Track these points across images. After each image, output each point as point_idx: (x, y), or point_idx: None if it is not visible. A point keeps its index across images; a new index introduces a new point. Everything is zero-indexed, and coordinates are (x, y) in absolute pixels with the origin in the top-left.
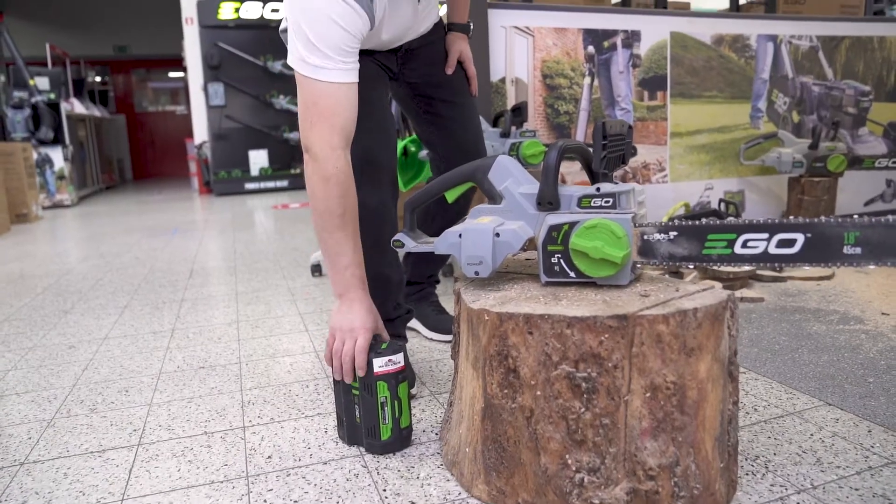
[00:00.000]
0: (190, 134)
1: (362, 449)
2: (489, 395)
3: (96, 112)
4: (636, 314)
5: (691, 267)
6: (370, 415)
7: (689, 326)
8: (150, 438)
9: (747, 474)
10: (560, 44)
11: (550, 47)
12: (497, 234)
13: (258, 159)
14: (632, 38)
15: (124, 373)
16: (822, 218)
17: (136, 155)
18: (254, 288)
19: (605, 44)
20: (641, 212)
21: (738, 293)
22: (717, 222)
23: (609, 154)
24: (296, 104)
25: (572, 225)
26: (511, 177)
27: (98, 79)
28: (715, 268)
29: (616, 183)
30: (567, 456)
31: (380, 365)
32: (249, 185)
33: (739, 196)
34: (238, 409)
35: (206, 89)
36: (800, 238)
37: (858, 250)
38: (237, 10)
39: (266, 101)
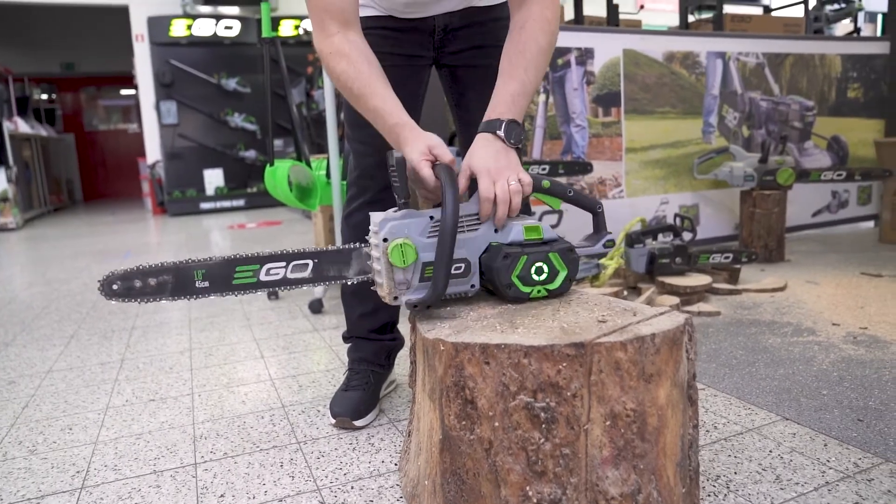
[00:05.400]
0: (142, 153)
1: (319, 484)
2: (447, 426)
3: (42, 131)
4: (594, 342)
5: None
6: None
7: (648, 352)
8: (95, 480)
9: (709, 495)
10: None
11: None
12: None
13: (213, 178)
14: (585, 55)
15: (68, 409)
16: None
17: (87, 175)
18: (208, 313)
19: (560, 61)
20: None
21: (695, 307)
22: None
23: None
24: (250, 122)
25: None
26: None
27: (44, 97)
28: (671, 282)
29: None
30: (528, 488)
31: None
32: (205, 205)
33: (694, 210)
34: (190, 444)
35: (158, 107)
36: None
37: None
38: (189, 27)
39: (220, 119)
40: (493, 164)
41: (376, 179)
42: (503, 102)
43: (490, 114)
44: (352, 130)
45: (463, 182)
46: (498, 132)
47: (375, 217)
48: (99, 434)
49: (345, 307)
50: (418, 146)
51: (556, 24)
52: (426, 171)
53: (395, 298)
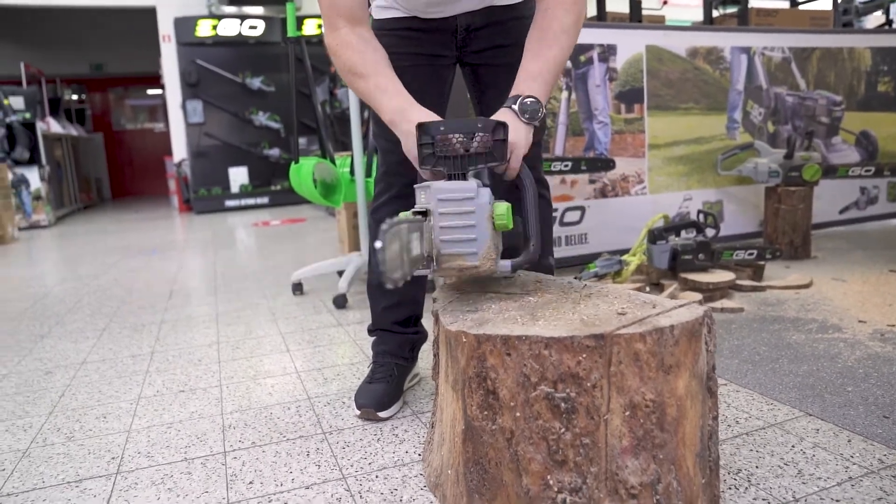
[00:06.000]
0: (169, 152)
1: (344, 472)
2: (469, 416)
3: (73, 131)
4: (613, 333)
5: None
6: None
7: (667, 344)
8: (129, 466)
9: (730, 488)
10: None
11: None
12: None
13: (238, 176)
14: (608, 51)
15: (102, 398)
16: None
17: (115, 173)
18: (235, 308)
19: (582, 58)
20: (454, 211)
21: (718, 304)
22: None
23: (439, 152)
24: (275, 121)
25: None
26: None
27: (74, 97)
28: (693, 279)
29: (451, 178)
30: (549, 476)
31: None
32: (230, 203)
33: (718, 206)
34: (219, 433)
35: (184, 107)
36: None
37: None
38: (214, 27)
39: (245, 117)
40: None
41: (402, 175)
42: (524, 80)
43: (512, 91)
44: (377, 127)
45: None
46: (513, 107)
47: (461, 185)
48: (132, 423)
49: (370, 300)
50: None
51: (581, 4)
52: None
53: (494, 262)
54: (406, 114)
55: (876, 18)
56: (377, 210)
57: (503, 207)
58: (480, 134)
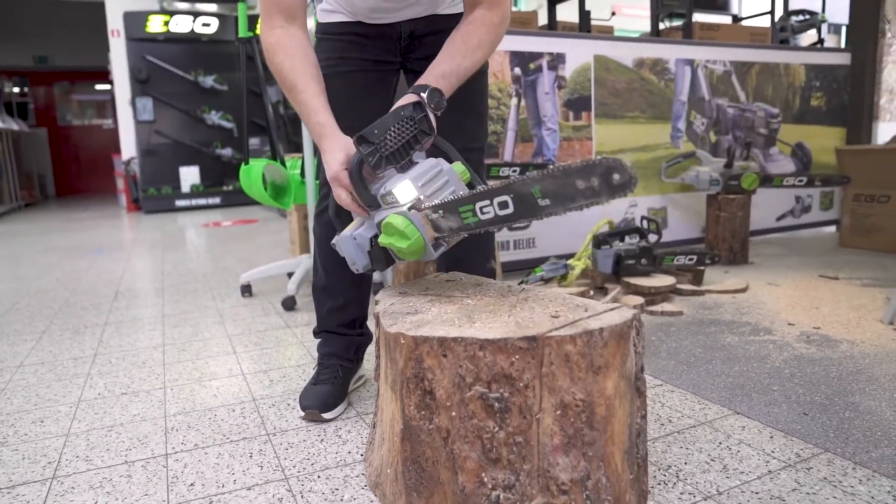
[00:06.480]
0: (117, 149)
1: (287, 473)
2: (407, 416)
3: (14, 125)
4: (545, 335)
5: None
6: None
7: (596, 346)
8: (66, 471)
9: (659, 484)
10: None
11: None
12: (354, 238)
13: (189, 176)
14: (557, 60)
15: (40, 402)
16: (515, 179)
17: (60, 170)
18: (182, 310)
19: (532, 66)
20: (423, 194)
21: (658, 307)
22: (460, 194)
23: (384, 152)
24: (227, 120)
25: (379, 224)
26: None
27: (16, 90)
28: (636, 283)
29: (406, 165)
30: (483, 474)
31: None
32: (180, 203)
33: (662, 212)
34: (161, 435)
35: (133, 104)
36: (508, 198)
37: (547, 201)
38: (166, 23)
39: (197, 116)
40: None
41: None
42: (434, 75)
43: (421, 80)
44: None
45: None
46: (422, 94)
47: (425, 165)
48: (71, 426)
49: (315, 302)
50: (337, 155)
51: (502, 28)
52: (344, 181)
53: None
54: (327, 137)
55: (809, 37)
56: (322, 214)
57: (458, 166)
58: (410, 121)
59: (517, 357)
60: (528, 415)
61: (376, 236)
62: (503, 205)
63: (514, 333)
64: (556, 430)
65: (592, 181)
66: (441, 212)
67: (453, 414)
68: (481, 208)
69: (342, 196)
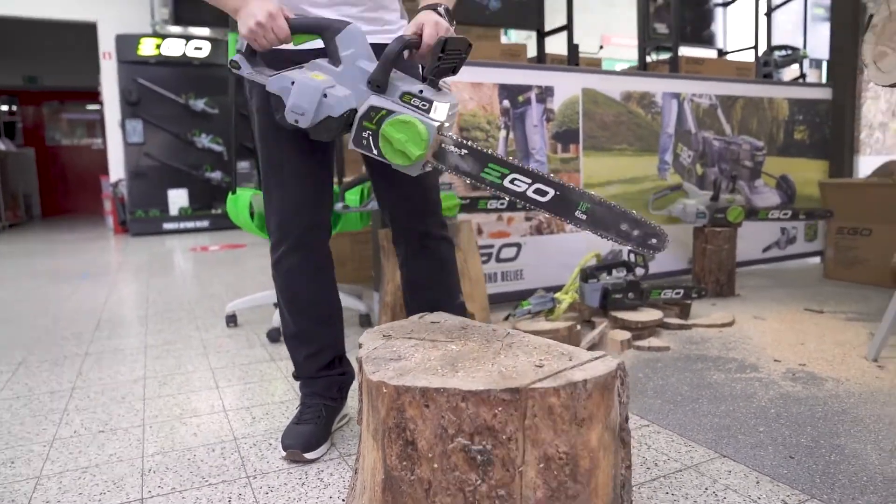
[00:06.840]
0: (105, 170)
1: None
2: (389, 466)
3: (0, 145)
4: (528, 387)
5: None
6: None
7: (580, 397)
8: None
9: None
10: (476, 98)
11: (467, 101)
12: (325, 95)
13: (178, 199)
14: (546, 93)
15: (12, 440)
16: (571, 184)
17: (46, 190)
18: (165, 340)
19: (520, 98)
20: (448, 123)
21: (645, 342)
22: (499, 155)
23: (441, 65)
24: (217, 143)
25: (389, 113)
26: (355, 47)
27: (4, 108)
28: (623, 317)
29: (440, 90)
30: None
31: None
32: (168, 226)
33: None
34: (137, 478)
35: (123, 125)
36: (551, 192)
37: (584, 216)
38: (158, 46)
39: (188, 139)
40: (435, 21)
41: (297, 223)
42: None
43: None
44: (267, 166)
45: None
46: (438, 9)
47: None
48: (43, 468)
49: (290, 350)
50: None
51: None
52: (284, 28)
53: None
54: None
55: (792, 71)
56: (279, 262)
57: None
58: (458, 54)
59: (500, 409)
60: (511, 468)
61: (353, 111)
62: (541, 192)
63: (497, 385)
64: (540, 483)
65: (633, 232)
66: (465, 151)
67: (435, 466)
68: (513, 179)
69: (270, 39)
